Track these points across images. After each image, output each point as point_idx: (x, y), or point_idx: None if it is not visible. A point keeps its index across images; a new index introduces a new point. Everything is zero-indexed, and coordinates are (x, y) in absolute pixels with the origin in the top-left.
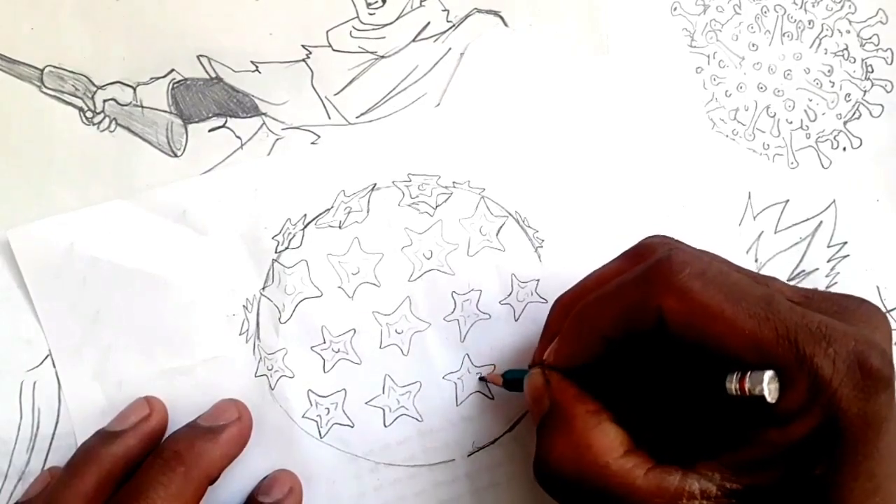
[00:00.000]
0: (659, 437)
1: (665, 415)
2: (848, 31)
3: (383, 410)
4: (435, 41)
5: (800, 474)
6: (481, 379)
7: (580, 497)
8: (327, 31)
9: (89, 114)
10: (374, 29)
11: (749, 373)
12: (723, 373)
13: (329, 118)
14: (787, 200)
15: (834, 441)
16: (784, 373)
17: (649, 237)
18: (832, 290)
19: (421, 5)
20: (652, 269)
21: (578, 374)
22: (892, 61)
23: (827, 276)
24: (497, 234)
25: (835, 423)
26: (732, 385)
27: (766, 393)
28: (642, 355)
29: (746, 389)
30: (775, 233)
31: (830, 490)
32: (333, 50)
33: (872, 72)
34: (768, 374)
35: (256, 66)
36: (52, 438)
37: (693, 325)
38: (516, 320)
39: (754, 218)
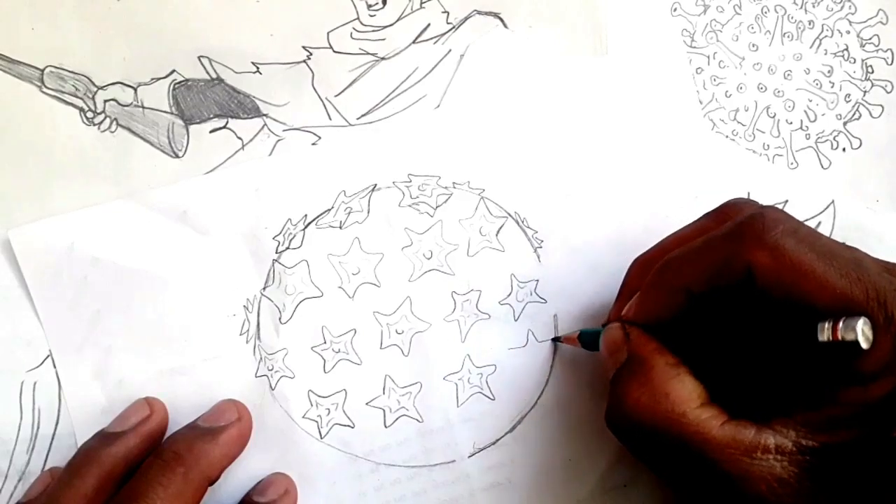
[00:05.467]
0: (735, 393)
1: (743, 371)
2: (848, 32)
3: (384, 411)
4: (435, 43)
5: (876, 435)
6: (555, 340)
7: (653, 445)
8: (328, 33)
9: (90, 114)
10: (374, 31)
11: (843, 318)
12: (807, 328)
13: (330, 119)
14: (787, 201)
15: None
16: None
17: (734, 199)
18: None
19: (421, 7)
20: (744, 224)
21: (657, 330)
22: (892, 62)
23: None
24: (497, 235)
25: None
26: (825, 331)
27: (860, 338)
28: (722, 310)
29: (839, 335)
30: None
31: None
32: (334, 51)
33: (872, 72)
34: (862, 319)
35: (257, 68)
36: (53, 438)
37: (783, 282)
38: (516, 320)
39: None
